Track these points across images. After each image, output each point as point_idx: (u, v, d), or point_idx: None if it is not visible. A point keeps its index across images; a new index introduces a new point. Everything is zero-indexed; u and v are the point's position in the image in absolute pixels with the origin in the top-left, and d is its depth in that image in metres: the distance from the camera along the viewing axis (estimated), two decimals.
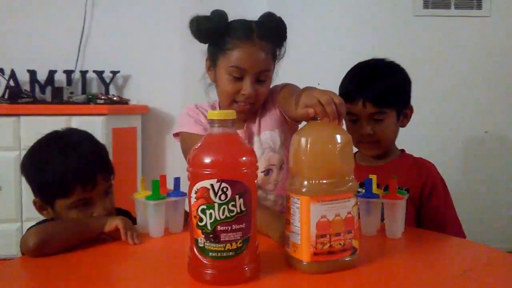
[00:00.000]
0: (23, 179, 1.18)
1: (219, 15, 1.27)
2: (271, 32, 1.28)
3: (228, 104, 1.29)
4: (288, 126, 1.34)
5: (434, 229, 1.22)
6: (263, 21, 1.28)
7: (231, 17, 1.31)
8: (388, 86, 1.36)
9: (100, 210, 1.11)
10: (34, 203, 1.15)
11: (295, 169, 0.84)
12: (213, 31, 1.26)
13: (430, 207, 1.33)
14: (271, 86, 1.35)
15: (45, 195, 1.12)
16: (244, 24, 1.27)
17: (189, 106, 1.38)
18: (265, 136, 1.29)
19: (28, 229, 1.00)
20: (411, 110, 1.42)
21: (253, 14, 1.39)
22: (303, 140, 0.83)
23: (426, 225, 1.31)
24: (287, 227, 0.84)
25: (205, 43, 1.32)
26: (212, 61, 1.31)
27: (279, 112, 1.33)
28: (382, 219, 1.09)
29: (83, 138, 1.19)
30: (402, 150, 1.45)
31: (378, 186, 1.10)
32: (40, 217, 1.17)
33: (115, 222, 1.02)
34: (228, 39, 1.25)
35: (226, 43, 1.25)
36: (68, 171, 1.08)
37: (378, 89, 1.34)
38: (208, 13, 1.28)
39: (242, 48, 1.23)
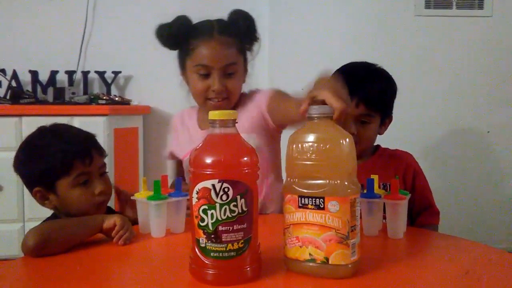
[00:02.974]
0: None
1: (179, 20, 1.31)
2: (232, 26, 1.30)
3: (202, 102, 1.33)
4: (268, 132, 1.34)
5: (424, 209, 1.38)
6: (225, 18, 1.32)
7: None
8: (381, 91, 1.40)
9: (101, 187, 1.15)
10: (35, 193, 1.16)
11: (290, 169, 0.83)
12: (175, 36, 1.31)
13: (417, 191, 1.39)
14: (247, 82, 1.38)
15: (46, 180, 1.14)
16: (204, 23, 1.31)
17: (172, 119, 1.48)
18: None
19: (28, 230, 1.00)
20: (390, 119, 1.45)
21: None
22: (298, 139, 0.81)
23: (417, 207, 1.38)
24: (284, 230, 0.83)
25: (174, 49, 1.35)
26: (182, 65, 1.36)
27: (260, 116, 1.32)
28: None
29: (70, 126, 1.27)
30: (377, 146, 1.48)
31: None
32: (42, 217, 1.18)
33: (113, 219, 1.01)
34: (191, 40, 1.28)
35: (190, 44, 1.29)
36: (66, 149, 1.13)
37: (373, 91, 1.37)
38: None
39: (203, 45, 1.27)
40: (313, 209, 0.78)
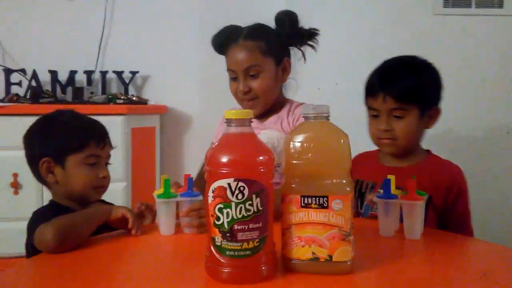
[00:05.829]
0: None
1: (224, 29, 1.43)
2: (259, 29, 1.40)
3: (239, 103, 1.44)
4: None
5: (458, 231, 1.23)
6: (260, 22, 1.42)
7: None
8: (411, 82, 1.32)
9: (105, 172, 1.22)
10: (42, 164, 1.19)
11: (290, 169, 0.83)
12: (218, 44, 1.43)
13: (456, 213, 1.30)
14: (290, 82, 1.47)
15: (58, 152, 1.19)
16: (237, 31, 1.41)
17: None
18: (273, 135, 1.33)
19: (39, 227, 0.99)
20: (437, 111, 1.37)
21: (270, 13, 1.41)
22: (292, 139, 0.82)
23: (451, 227, 1.28)
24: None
25: (222, 54, 1.44)
26: None
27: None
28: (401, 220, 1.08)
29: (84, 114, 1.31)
30: (428, 151, 1.41)
31: (399, 189, 1.08)
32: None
33: (121, 211, 1.06)
34: (227, 48, 1.40)
35: (226, 51, 1.40)
36: (84, 128, 1.23)
37: (400, 84, 1.31)
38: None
39: (229, 51, 1.39)
40: (317, 208, 0.79)
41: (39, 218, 1.08)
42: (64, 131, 1.21)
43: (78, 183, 1.19)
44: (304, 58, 1.46)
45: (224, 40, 1.41)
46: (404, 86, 1.31)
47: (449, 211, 1.29)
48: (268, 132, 1.36)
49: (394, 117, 1.31)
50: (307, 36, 1.42)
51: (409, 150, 1.36)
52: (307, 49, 1.46)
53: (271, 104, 1.43)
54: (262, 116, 1.43)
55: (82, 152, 1.18)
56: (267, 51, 1.36)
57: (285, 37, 1.41)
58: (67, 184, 1.20)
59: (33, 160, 1.22)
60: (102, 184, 1.23)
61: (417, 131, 1.35)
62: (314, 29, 1.43)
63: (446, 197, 1.30)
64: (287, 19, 1.40)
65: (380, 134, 1.33)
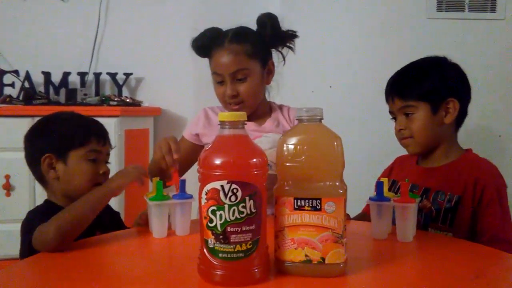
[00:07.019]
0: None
1: (206, 32, 1.41)
2: (244, 33, 1.39)
3: (224, 106, 1.43)
4: None
5: (486, 244, 1.08)
6: (244, 26, 1.41)
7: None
8: (413, 78, 1.33)
9: (105, 168, 1.24)
10: (44, 159, 1.20)
11: (283, 172, 0.83)
12: (201, 47, 1.41)
13: (481, 214, 1.22)
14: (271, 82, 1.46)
15: (61, 147, 1.21)
16: (221, 33, 1.40)
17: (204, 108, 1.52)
18: (277, 138, 1.33)
19: (38, 228, 1.00)
20: (453, 104, 1.30)
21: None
22: (286, 141, 0.82)
23: (479, 238, 1.20)
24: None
25: (205, 57, 1.43)
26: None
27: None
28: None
29: None
30: (467, 150, 1.37)
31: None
32: None
33: (127, 180, 1.12)
34: (211, 50, 1.38)
35: (210, 54, 1.39)
36: (86, 124, 1.27)
37: (401, 82, 1.35)
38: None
39: (215, 54, 1.37)
40: (310, 210, 0.79)
41: (34, 218, 1.09)
42: (66, 127, 1.24)
43: (79, 179, 1.20)
44: (284, 61, 1.47)
45: (208, 43, 1.39)
46: (405, 83, 1.34)
47: (476, 214, 1.23)
48: (273, 136, 1.36)
49: (406, 116, 1.32)
50: (288, 38, 1.43)
51: (433, 146, 1.34)
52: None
53: (257, 107, 1.43)
54: (251, 118, 1.42)
55: (83, 147, 1.21)
56: (253, 54, 1.36)
57: (268, 39, 1.41)
58: (68, 180, 1.20)
59: (34, 158, 1.23)
60: (102, 180, 1.23)
61: (434, 126, 1.31)
62: (293, 30, 1.43)
63: (473, 199, 1.23)
64: (268, 21, 1.40)
65: (399, 135, 1.35)
